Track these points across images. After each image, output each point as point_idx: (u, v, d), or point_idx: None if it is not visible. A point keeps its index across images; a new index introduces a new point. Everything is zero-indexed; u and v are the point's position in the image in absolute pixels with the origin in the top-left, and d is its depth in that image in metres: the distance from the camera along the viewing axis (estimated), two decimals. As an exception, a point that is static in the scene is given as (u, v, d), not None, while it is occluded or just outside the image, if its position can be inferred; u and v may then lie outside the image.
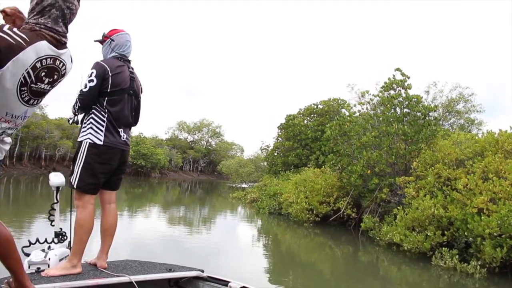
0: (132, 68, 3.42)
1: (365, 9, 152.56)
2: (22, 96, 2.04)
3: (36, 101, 2.14)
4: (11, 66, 1.92)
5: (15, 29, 1.97)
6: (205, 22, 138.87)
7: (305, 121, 26.18)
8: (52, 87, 2.20)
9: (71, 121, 3.46)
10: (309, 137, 24.07)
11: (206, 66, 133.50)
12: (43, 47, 2.03)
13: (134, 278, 3.03)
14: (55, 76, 2.16)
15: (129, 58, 3.44)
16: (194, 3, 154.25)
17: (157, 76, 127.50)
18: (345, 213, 13.66)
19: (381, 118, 13.17)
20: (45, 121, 45.87)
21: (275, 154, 27.76)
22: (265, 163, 33.55)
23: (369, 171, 12.44)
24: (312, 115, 26.34)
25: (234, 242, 11.64)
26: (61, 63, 2.17)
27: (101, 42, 3.40)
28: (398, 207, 10.41)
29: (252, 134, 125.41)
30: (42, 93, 2.16)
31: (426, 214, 9.40)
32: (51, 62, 2.09)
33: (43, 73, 2.07)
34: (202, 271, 3.41)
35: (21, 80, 1.99)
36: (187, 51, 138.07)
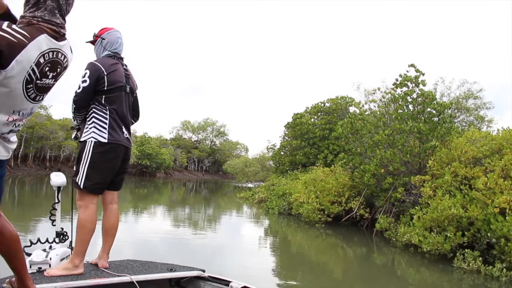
0: (126, 65, 3.43)
1: (369, 8, 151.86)
2: (29, 94, 2.01)
3: (41, 96, 2.12)
4: (15, 65, 1.87)
5: (14, 26, 1.91)
6: (208, 21, 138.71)
7: (312, 120, 25.84)
8: (56, 80, 2.18)
9: (73, 135, 3.46)
10: (317, 135, 23.73)
11: (209, 64, 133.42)
12: (44, 41, 1.99)
13: (135, 278, 3.04)
14: (58, 70, 2.13)
15: (122, 56, 3.45)
16: (197, 1, 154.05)
17: (160, 75, 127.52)
18: (357, 213, 13.32)
19: (393, 116, 12.83)
20: (49, 121, 45.62)
21: (282, 153, 27.43)
22: (271, 162, 33.23)
23: (382, 170, 12.10)
24: (319, 114, 25.99)
25: (242, 243, 11.34)
26: (63, 55, 2.13)
27: (93, 42, 3.42)
28: (416, 207, 10.08)
29: (256, 133, 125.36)
30: (47, 88, 2.14)
31: (445, 214, 9.07)
32: (54, 55, 2.06)
33: (47, 68, 2.04)
34: (203, 271, 3.42)
35: (26, 78, 1.95)
36: (190, 50, 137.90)
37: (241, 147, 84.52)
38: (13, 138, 2.15)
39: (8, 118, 2.00)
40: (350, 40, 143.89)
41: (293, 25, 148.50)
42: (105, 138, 3.13)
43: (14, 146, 2.18)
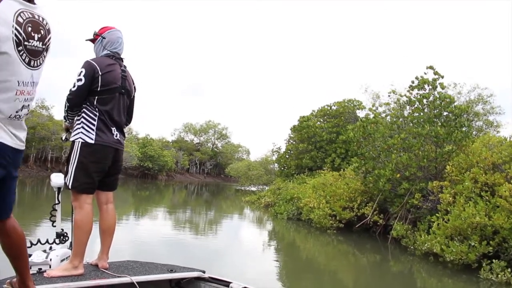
0: (125, 66, 3.39)
1: (376, 9, 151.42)
2: (22, 57, 2.02)
3: (35, 62, 2.12)
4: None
5: None
6: (209, 20, 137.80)
7: (319, 123, 25.45)
8: (45, 45, 2.17)
9: (63, 137, 3.52)
10: (324, 139, 23.31)
11: (210, 64, 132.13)
12: (13, 1, 1.98)
13: (135, 278, 3.03)
14: (42, 32, 2.13)
15: (122, 56, 3.42)
16: (200, 1, 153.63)
17: (160, 75, 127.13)
18: (371, 220, 12.90)
19: (409, 119, 12.46)
20: (51, 122, 45.22)
21: (287, 156, 27.01)
22: (275, 166, 32.87)
23: (398, 175, 11.70)
24: (325, 117, 25.59)
25: (249, 248, 10.95)
26: (40, 17, 2.13)
27: (93, 40, 3.38)
28: (437, 214, 9.67)
29: (258, 136, 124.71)
30: (38, 52, 2.13)
31: (468, 222, 8.68)
32: (31, 16, 2.06)
33: (30, 28, 2.04)
34: (204, 272, 3.42)
35: (15, 40, 1.95)
36: (191, 50, 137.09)
37: (242, 150, 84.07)
38: (23, 123, 2.15)
39: (16, 92, 2.01)
40: (356, 42, 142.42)
41: (298, 26, 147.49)
42: (92, 139, 3.11)
43: (25, 134, 2.18)
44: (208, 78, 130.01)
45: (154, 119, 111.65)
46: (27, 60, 2.05)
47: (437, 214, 9.68)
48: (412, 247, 10.33)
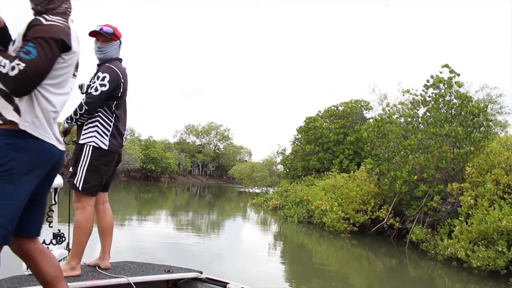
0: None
1: (381, 9, 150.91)
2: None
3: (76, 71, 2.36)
4: (74, 45, 2.07)
5: (50, 16, 2.03)
6: (213, 22, 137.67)
7: (325, 124, 25.07)
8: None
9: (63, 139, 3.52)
10: (331, 140, 22.91)
11: (213, 66, 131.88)
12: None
13: (132, 279, 3.05)
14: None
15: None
16: (203, 1, 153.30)
17: (161, 76, 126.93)
18: (387, 223, 12.49)
19: (424, 119, 12.08)
20: (53, 124, 44.97)
21: (293, 158, 26.62)
22: (279, 167, 32.51)
23: (415, 177, 11.31)
24: (332, 117, 25.20)
25: (261, 252, 10.52)
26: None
27: (104, 39, 3.27)
28: (460, 218, 9.29)
29: (260, 137, 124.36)
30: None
31: (494, 227, 8.29)
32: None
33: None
34: (201, 273, 3.44)
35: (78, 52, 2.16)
36: (193, 51, 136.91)
37: (244, 152, 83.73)
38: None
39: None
40: (362, 42, 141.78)
41: (302, 25, 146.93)
42: (105, 145, 3.16)
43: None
44: (209, 78, 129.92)
45: (156, 120, 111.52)
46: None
47: (460, 218, 9.29)
48: (432, 251, 9.94)
